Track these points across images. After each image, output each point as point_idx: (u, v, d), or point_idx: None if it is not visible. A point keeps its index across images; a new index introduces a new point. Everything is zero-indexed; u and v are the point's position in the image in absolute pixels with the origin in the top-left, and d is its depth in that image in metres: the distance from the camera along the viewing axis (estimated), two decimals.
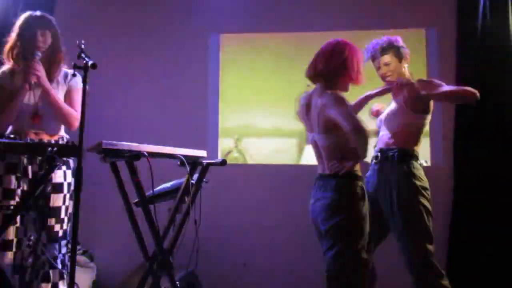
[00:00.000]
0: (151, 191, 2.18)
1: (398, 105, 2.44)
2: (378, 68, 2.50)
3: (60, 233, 2.31)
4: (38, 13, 2.43)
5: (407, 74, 2.50)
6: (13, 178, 2.25)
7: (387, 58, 2.46)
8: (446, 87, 2.32)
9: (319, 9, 3.79)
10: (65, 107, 2.38)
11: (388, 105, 2.58)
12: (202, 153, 2.41)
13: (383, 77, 2.50)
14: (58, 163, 1.98)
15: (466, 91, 2.28)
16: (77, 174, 1.85)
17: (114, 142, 2.05)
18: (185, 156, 2.28)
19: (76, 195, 1.84)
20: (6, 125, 2.35)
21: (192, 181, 2.37)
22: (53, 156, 1.88)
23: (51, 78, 2.40)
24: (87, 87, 1.96)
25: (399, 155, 2.36)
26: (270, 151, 3.87)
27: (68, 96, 2.45)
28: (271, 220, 3.64)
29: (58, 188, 2.35)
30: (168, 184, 2.53)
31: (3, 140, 1.98)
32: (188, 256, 2.38)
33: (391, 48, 2.46)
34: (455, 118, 3.50)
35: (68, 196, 2.38)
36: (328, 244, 2.08)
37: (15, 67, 2.40)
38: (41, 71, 2.31)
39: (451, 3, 3.65)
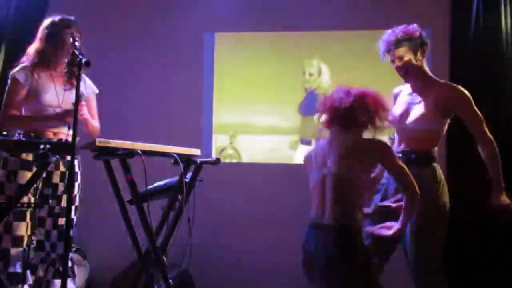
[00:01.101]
0: (145, 189, 2.18)
1: (426, 107, 2.29)
2: (393, 61, 2.34)
3: (70, 233, 2.33)
4: (60, 16, 2.46)
5: (425, 68, 2.35)
6: (28, 174, 2.24)
7: (401, 51, 2.28)
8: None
9: (313, 8, 3.80)
10: (95, 125, 2.49)
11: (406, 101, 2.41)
12: (196, 151, 2.42)
13: (398, 71, 2.34)
14: (51, 161, 1.98)
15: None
16: (69, 171, 1.85)
17: (108, 140, 2.05)
18: (179, 154, 2.28)
19: (68, 192, 1.85)
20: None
21: (185, 180, 2.38)
22: (46, 153, 1.87)
23: (71, 82, 2.41)
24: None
25: (425, 158, 2.28)
26: (264, 148, 3.89)
27: (89, 105, 2.50)
28: (265, 218, 3.66)
29: (79, 188, 2.44)
30: (161, 182, 2.53)
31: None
32: (181, 254, 2.39)
33: (406, 40, 2.27)
34: None
35: (78, 196, 2.43)
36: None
37: (36, 70, 2.37)
38: (84, 111, 2.36)
39: (445, 4, 3.67)
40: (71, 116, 2.17)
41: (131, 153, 2.05)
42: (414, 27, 2.32)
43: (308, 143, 3.81)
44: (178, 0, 3.97)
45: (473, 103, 2.28)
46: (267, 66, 3.92)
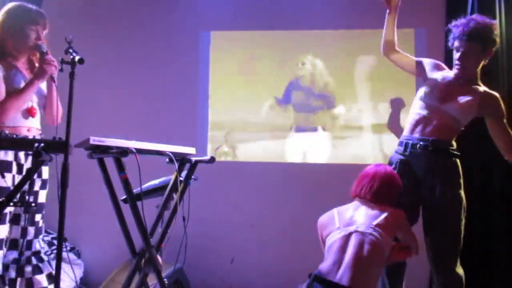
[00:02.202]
0: (139, 188, 2.18)
1: (473, 100, 2.32)
2: (457, 50, 2.30)
3: (43, 229, 2.36)
4: (33, 6, 2.32)
5: (478, 74, 2.38)
6: (7, 175, 2.19)
7: (470, 46, 2.24)
8: None
9: (309, 7, 3.80)
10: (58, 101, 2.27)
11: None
12: (191, 150, 2.41)
13: (456, 65, 2.32)
14: (45, 159, 1.96)
15: None
16: (63, 170, 1.84)
17: (102, 138, 2.04)
18: (173, 153, 2.27)
19: (62, 191, 1.83)
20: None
21: (180, 178, 2.37)
22: (39, 152, 1.86)
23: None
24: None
25: (451, 149, 2.34)
26: (259, 146, 3.88)
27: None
28: (259, 216, 3.66)
29: (45, 184, 2.36)
30: (156, 181, 2.53)
31: None
32: (176, 253, 2.38)
33: (482, 36, 2.22)
34: None
35: (42, 193, 2.36)
36: None
37: (10, 63, 2.27)
38: (55, 61, 2.20)
39: (440, 4, 3.68)
40: (45, 64, 2.16)
41: (125, 151, 2.04)
42: (491, 22, 2.27)
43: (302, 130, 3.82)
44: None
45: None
46: (262, 64, 3.92)
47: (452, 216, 2.28)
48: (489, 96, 2.36)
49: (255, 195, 3.68)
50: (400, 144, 2.43)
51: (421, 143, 2.30)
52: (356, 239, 2.03)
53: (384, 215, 2.11)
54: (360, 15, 3.71)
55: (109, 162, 2.21)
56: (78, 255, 3.71)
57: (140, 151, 2.12)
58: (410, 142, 2.36)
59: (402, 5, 3.70)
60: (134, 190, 2.22)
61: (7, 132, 2.19)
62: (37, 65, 2.35)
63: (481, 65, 2.38)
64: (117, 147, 2.05)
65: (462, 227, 2.31)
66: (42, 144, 1.88)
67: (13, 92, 2.19)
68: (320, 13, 3.78)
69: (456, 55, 2.32)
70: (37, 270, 2.29)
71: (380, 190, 2.20)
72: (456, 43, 2.30)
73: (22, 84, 2.24)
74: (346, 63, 3.76)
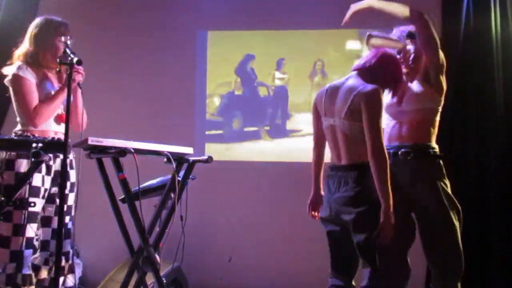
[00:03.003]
0: (137, 188, 2.20)
1: (416, 86, 2.29)
2: (400, 53, 2.36)
3: (70, 225, 2.41)
4: (56, 19, 2.44)
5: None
6: (39, 176, 2.25)
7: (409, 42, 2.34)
8: None
9: (306, 6, 3.82)
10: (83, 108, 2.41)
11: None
12: (188, 150, 2.42)
13: (403, 63, 2.34)
14: (44, 159, 1.98)
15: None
16: (62, 170, 1.86)
17: (100, 138, 2.06)
18: (171, 153, 2.29)
19: (60, 191, 1.85)
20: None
21: (178, 178, 2.39)
22: (38, 152, 1.88)
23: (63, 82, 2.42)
24: None
25: (431, 152, 2.25)
26: (256, 146, 3.91)
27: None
28: (257, 216, 3.68)
29: (72, 187, 2.45)
30: (154, 181, 2.54)
31: None
32: (174, 252, 2.40)
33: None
34: None
35: (71, 196, 2.44)
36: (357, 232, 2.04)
37: (42, 72, 2.38)
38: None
39: (436, 5, 3.69)
40: (75, 75, 2.23)
41: (123, 151, 2.06)
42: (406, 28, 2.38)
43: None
44: None
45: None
46: (259, 63, 3.94)
47: (440, 223, 2.22)
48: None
49: (252, 194, 3.70)
50: None
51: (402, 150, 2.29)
52: (331, 132, 2.16)
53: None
54: (358, 15, 3.73)
55: (108, 162, 2.23)
56: (77, 254, 3.72)
57: (138, 151, 2.14)
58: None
59: (397, 1, 3.73)
60: (132, 190, 2.24)
61: (36, 135, 2.26)
62: (64, 74, 2.43)
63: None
64: (115, 147, 2.07)
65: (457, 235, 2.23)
66: (41, 144, 1.90)
67: (45, 99, 2.32)
68: (318, 13, 3.80)
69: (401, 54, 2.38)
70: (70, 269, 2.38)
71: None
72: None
73: (52, 92, 2.36)
74: (346, 62, 3.76)
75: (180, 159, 2.41)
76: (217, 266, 3.68)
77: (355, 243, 2.04)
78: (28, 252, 2.23)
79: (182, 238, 2.36)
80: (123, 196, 2.26)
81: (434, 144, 2.30)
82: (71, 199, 2.43)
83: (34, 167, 2.07)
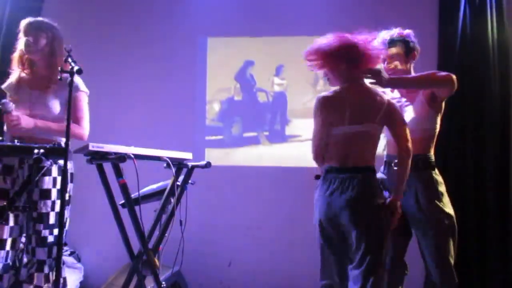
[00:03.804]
0: (137, 193, 2.23)
1: (417, 108, 2.33)
2: (383, 60, 2.36)
3: (50, 239, 2.28)
4: (39, 18, 2.45)
5: (412, 72, 2.38)
6: (8, 179, 2.25)
7: (393, 50, 2.33)
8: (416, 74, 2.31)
9: (304, 13, 3.85)
10: (61, 129, 2.22)
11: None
12: (187, 155, 2.46)
13: (387, 71, 2.31)
14: (45, 165, 2.01)
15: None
16: (63, 175, 1.89)
17: (101, 144, 2.09)
18: (170, 158, 2.33)
19: (61, 196, 1.88)
20: None
21: (177, 183, 2.42)
22: (39, 158, 1.91)
23: (50, 83, 2.38)
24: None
25: (424, 162, 2.29)
26: (255, 150, 3.94)
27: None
28: (256, 220, 3.70)
29: (45, 194, 2.30)
30: (154, 186, 2.58)
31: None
32: (174, 256, 2.43)
33: (400, 41, 2.33)
34: None
35: (58, 202, 2.29)
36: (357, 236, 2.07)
37: (22, 75, 2.41)
38: (19, 120, 2.23)
39: (432, 9, 3.73)
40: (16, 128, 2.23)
41: (123, 157, 2.09)
42: (408, 31, 2.39)
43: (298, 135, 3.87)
44: (171, 5, 4.02)
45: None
46: (259, 70, 3.98)
47: (434, 230, 2.25)
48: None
49: (251, 199, 3.73)
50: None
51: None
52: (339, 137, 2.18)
53: None
54: (356, 21, 3.74)
55: (108, 167, 2.26)
56: (78, 259, 3.75)
57: (138, 157, 2.18)
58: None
59: (393, 11, 3.75)
60: (132, 195, 2.27)
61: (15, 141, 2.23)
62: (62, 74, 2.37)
63: (411, 68, 2.41)
64: (115, 153, 2.10)
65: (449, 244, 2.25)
66: (42, 150, 1.93)
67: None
68: (316, 19, 3.82)
69: (384, 65, 2.39)
70: (31, 279, 2.28)
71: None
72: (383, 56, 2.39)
73: (21, 99, 2.35)
74: None
75: (179, 164, 2.44)
76: (217, 270, 3.70)
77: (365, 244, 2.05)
78: None
79: (181, 242, 2.39)
80: (123, 201, 2.29)
81: (431, 154, 2.34)
82: (47, 207, 2.30)
83: (36, 173, 2.10)
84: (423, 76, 2.26)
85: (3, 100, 2.28)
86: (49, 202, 2.29)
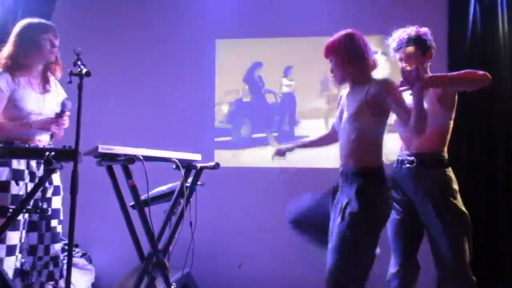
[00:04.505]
0: (147, 194, 2.24)
1: (427, 105, 2.25)
2: (401, 60, 2.35)
3: (61, 235, 2.41)
4: (38, 20, 2.42)
5: (427, 71, 2.37)
6: (20, 183, 2.28)
7: (410, 49, 2.31)
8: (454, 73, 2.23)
9: (312, 14, 3.85)
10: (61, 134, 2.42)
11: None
12: (196, 156, 2.46)
13: (403, 70, 2.28)
14: (55, 167, 2.03)
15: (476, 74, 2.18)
16: (73, 177, 1.91)
17: (110, 146, 2.10)
18: (179, 159, 2.33)
19: (72, 198, 1.90)
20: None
21: (186, 184, 2.43)
22: (50, 160, 1.93)
23: (47, 88, 2.42)
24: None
25: (437, 160, 2.27)
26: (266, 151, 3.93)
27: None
28: (266, 221, 3.69)
29: (57, 190, 2.44)
30: (163, 187, 2.58)
31: (2, 145, 2.03)
32: (184, 257, 2.43)
33: (418, 39, 2.31)
34: None
35: (61, 210, 2.43)
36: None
37: (14, 76, 2.33)
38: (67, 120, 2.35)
39: (442, 9, 3.70)
40: (55, 125, 2.28)
41: (132, 159, 2.10)
42: (425, 29, 2.37)
43: None
44: (180, 8, 4.04)
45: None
46: (267, 71, 3.98)
47: (449, 229, 2.23)
48: None
49: (260, 200, 3.72)
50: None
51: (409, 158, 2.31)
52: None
53: None
54: (364, 21, 3.74)
55: (118, 169, 2.28)
56: (90, 260, 3.78)
57: (147, 158, 2.18)
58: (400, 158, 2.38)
59: (403, 11, 3.72)
60: (142, 196, 2.28)
61: (19, 142, 2.28)
62: (52, 78, 2.45)
63: (427, 67, 2.39)
64: (125, 155, 2.12)
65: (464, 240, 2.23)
66: (53, 153, 1.96)
67: (17, 123, 2.28)
68: (324, 19, 3.81)
69: (402, 64, 2.37)
70: (51, 276, 2.37)
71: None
72: (399, 54, 2.38)
73: (30, 103, 2.33)
74: None
75: (188, 165, 2.45)
76: (227, 272, 3.70)
77: None
78: (8, 260, 2.23)
79: (191, 244, 2.39)
80: (133, 203, 2.31)
81: (444, 151, 2.32)
82: (57, 203, 2.42)
83: (47, 175, 2.12)
84: (462, 75, 2.20)
85: (64, 100, 2.35)
86: (59, 198, 2.40)
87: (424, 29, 2.36)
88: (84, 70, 1.96)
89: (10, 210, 2.05)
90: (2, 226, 2.00)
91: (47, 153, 1.95)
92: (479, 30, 3.55)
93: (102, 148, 2.08)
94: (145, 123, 3.88)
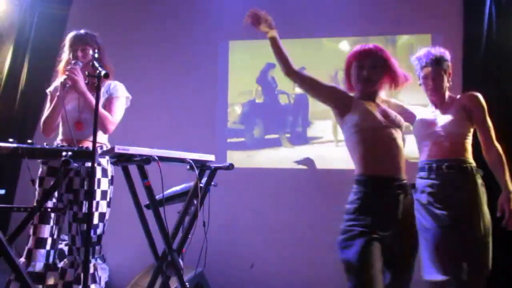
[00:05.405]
0: (162, 194, 2.26)
1: (453, 113, 2.36)
2: (425, 77, 2.40)
3: (94, 238, 2.42)
4: (82, 31, 2.59)
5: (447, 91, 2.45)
6: (52, 180, 2.32)
7: (439, 71, 2.37)
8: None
9: (326, 15, 3.85)
10: (102, 110, 2.45)
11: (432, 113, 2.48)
12: (210, 157, 2.48)
13: (427, 88, 2.41)
14: (72, 167, 2.07)
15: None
16: (90, 177, 1.94)
17: (126, 147, 2.13)
18: (194, 160, 2.35)
19: (89, 198, 1.93)
20: (51, 132, 2.50)
21: (200, 184, 2.45)
22: (67, 160, 1.97)
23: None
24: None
25: (466, 166, 2.29)
26: (279, 152, 3.94)
27: (107, 103, 2.57)
28: (279, 222, 3.71)
29: (86, 195, 2.42)
30: (178, 188, 2.60)
31: (22, 145, 2.07)
32: (197, 257, 2.45)
33: (445, 62, 2.39)
34: None
35: (102, 203, 2.45)
36: None
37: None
38: (79, 75, 2.41)
39: (457, 9, 3.68)
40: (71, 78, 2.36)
41: (148, 159, 2.13)
42: (445, 51, 2.44)
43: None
44: (193, 10, 4.07)
45: (486, 109, 2.35)
46: (280, 72, 3.98)
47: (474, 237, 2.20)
48: (464, 98, 2.44)
49: (274, 201, 3.73)
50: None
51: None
52: None
53: None
54: (380, 22, 3.74)
55: (134, 169, 2.31)
56: (104, 259, 3.81)
57: (162, 159, 2.21)
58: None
59: (418, 10, 3.70)
60: (157, 196, 2.30)
61: (65, 144, 2.37)
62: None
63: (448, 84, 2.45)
64: (140, 155, 2.14)
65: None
66: (70, 153, 1.99)
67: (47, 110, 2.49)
68: (338, 20, 3.82)
69: (424, 82, 2.44)
70: (78, 279, 2.40)
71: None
72: (424, 72, 2.42)
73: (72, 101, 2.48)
74: None
75: (202, 166, 2.46)
76: (239, 272, 3.72)
77: None
78: (37, 252, 2.31)
79: (204, 243, 2.41)
80: (148, 203, 2.33)
81: (470, 158, 2.35)
82: (102, 207, 2.46)
83: (63, 175, 2.16)
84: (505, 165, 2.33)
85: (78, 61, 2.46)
86: (93, 203, 2.40)
87: (444, 50, 2.44)
88: (103, 72, 2.00)
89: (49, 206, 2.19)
90: (27, 219, 2.07)
91: (64, 153, 1.99)
92: (495, 28, 3.52)
93: (118, 149, 2.11)
94: (159, 123, 3.91)
